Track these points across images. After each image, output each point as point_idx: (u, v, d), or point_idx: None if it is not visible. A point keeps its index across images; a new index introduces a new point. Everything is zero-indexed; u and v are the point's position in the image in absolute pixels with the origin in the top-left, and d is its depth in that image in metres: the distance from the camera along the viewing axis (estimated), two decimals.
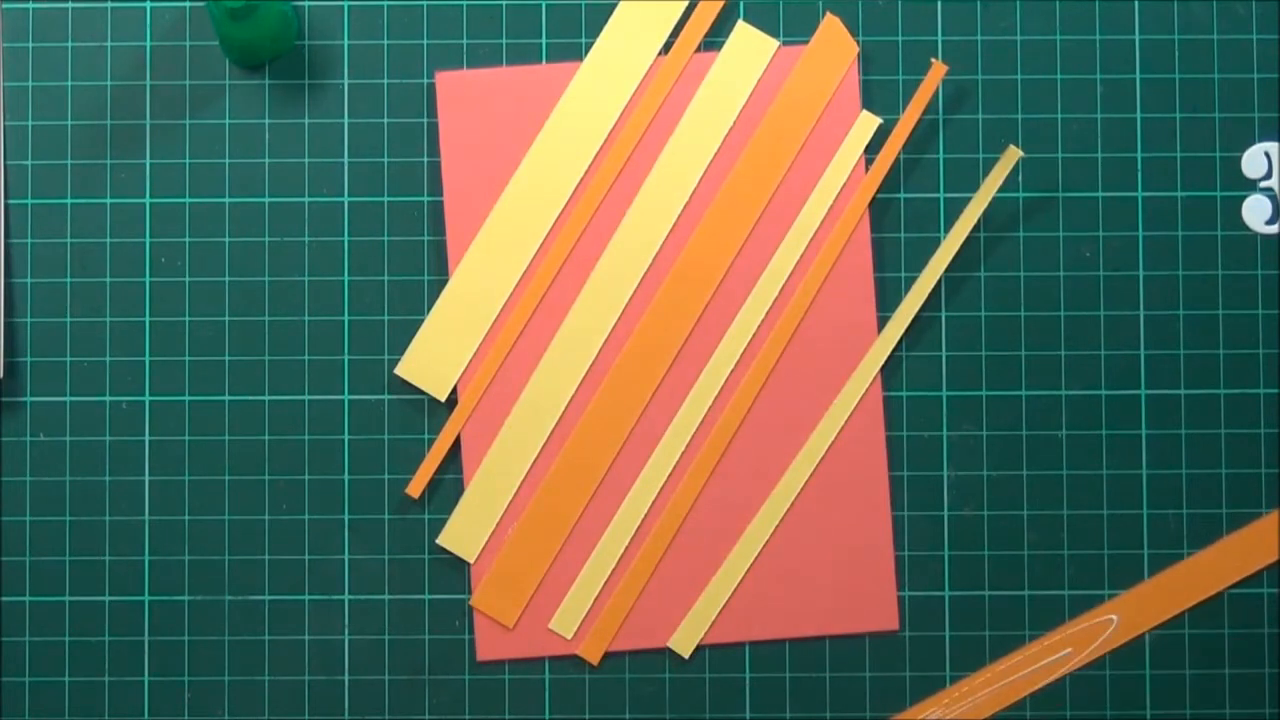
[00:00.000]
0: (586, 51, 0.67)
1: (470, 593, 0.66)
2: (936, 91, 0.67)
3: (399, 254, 0.66)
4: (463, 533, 0.66)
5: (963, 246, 0.66)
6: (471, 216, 0.66)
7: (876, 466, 0.66)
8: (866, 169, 0.66)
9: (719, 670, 0.66)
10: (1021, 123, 0.67)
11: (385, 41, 0.67)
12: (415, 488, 0.66)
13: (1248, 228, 0.67)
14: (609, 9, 0.67)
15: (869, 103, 0.67)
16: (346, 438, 0.66)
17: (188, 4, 0.67)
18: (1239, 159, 0.67)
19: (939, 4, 0.67)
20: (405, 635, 0.66)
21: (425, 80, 0.67)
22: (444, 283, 0.66)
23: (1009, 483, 0.66)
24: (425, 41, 0.67)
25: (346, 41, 0.67)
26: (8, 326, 0.66)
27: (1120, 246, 0.67)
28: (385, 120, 0.67)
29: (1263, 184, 0.67)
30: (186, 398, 0.66)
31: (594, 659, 0.65)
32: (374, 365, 0.66)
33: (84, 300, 0.66)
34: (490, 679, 0.66)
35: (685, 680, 0.66)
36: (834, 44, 0.67)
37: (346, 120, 0.67)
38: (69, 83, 0.67)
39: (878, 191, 0.66)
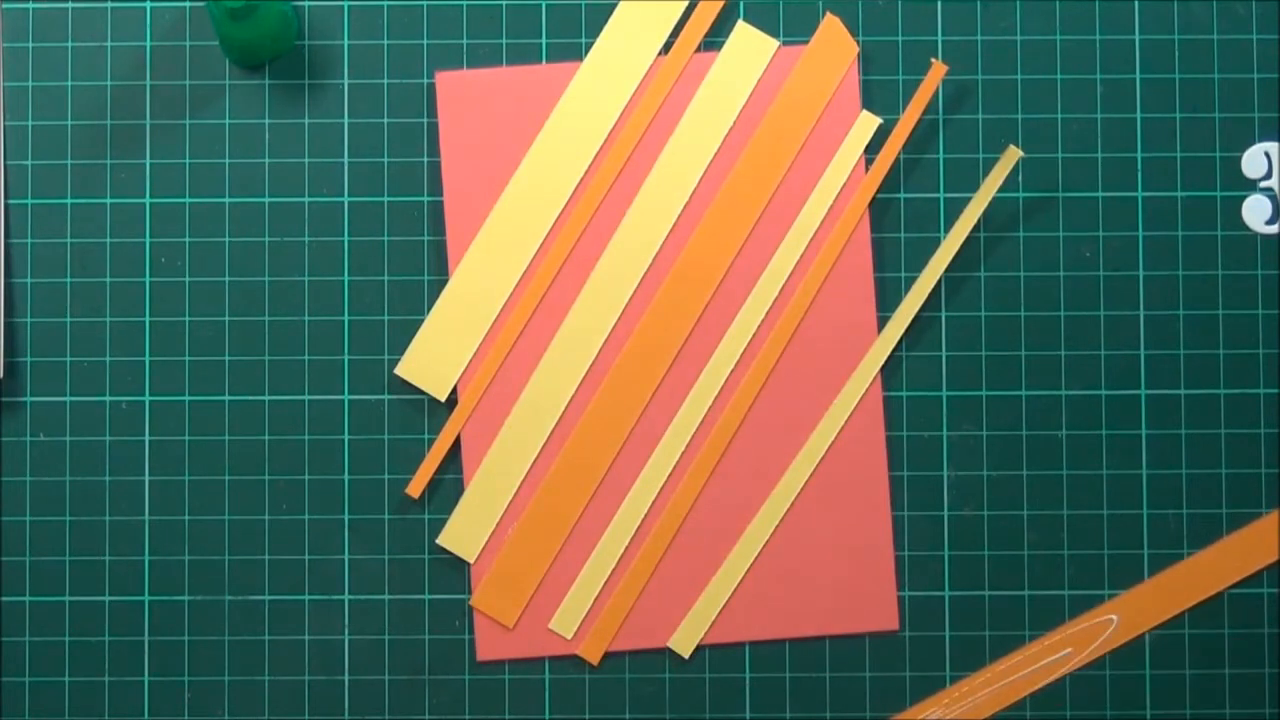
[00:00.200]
0: (586, 51, 0.67)
1: (470, 593, 0.66)
2: (936, 91, 0.67)
3: (399, 254, 0.66)
4: (463, 533, 0.66)
5: (963, 246, 0.66)
6: (471, 216, 0.66)
7: (876, 466, 0.66)
8: (866, 169, 0.66)
9: (719, 670, 0.66)
10: (1021, 123, 0.67)
11: (385, 41, 0.67)
12: (415, 488, 0.66)
13: (1248, 228, 0.67)
14: (609, 9, 0.67)
15: (869, 103, 0.67)
16: (346, 438, 0.66)
17: (188, 4, 0.67)
18: (1239, 159, 0.67)
19: (939, 4, 0.67)
20: (405, 635, 0.66)
21: (425, 80, 0.67)
22: (444, 283, 0.66)
23: (1009, 483, 0.66)
24: (425, 41, 0.67)
25: (346, 41, 0.67)
26: (8, 326, 0.66)
27: (1120, 246, 0.67)
28: (385, 120, 0.67)
29: (1263, 184, 0.67)
30: (186, 398, 0.66)
31: (594, 659, 0.65)
32: (374, 365, 0.66)
33: (84, 300, 0.66)
34: (490, 679, 0.66)
35: (685, 680, 0.66)
36: (834, 44, 0.67)
37: (346, 120, 0.67)
38: (69, 83, 0.67)
39: (878, 191, 0.66)
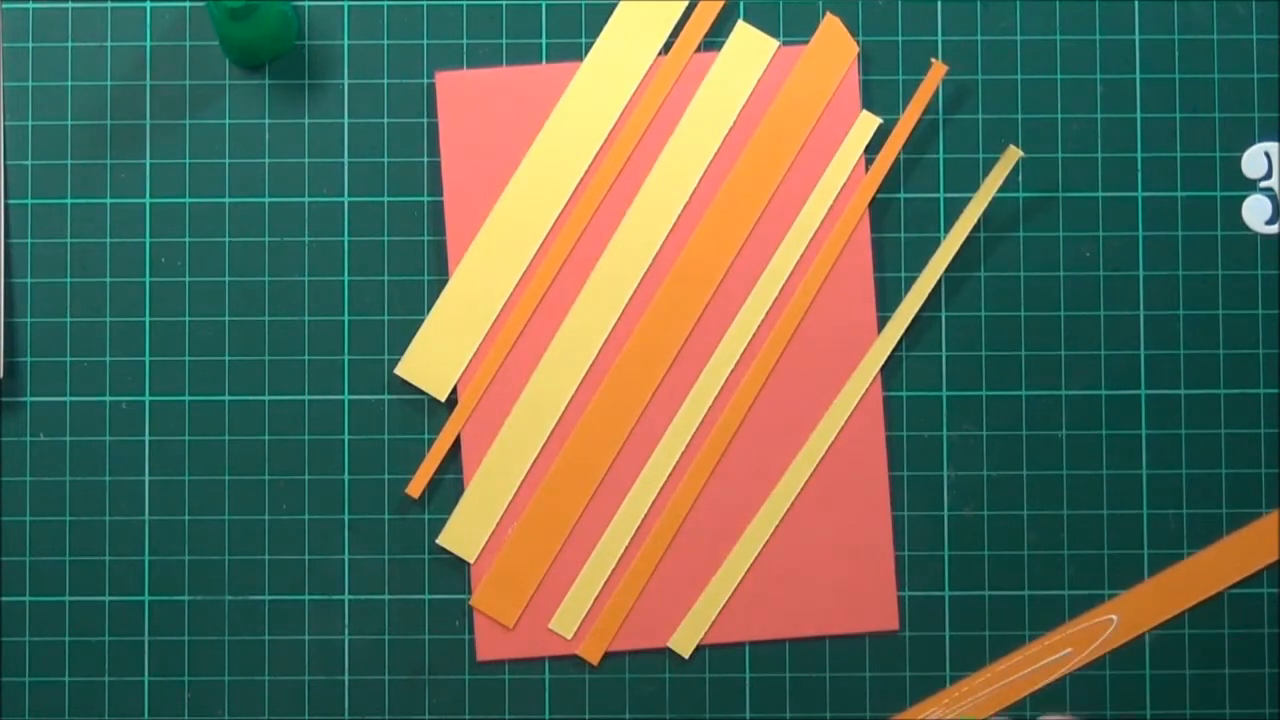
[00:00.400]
0: (586, 51, 0.67)
1: (470, 593, 0.66)
2: (936, 91, 0.67)
3: (399, 254, 0.66)
4: (463, 533, 0.66)
5: (963, 246, 0.66)
6: (471, 216, 0.66)
7: (876, 466, 0.66)
8: (866, 169, 0.66)
9: (719, 670, 0.66)
10: (1021, 123, 0.67)
11: (385, 41, 0.67)
12: (415, 488, 0.66)
13: (1248, 228, 0.67)
14: (609, 9, 0.67)
15: (869, 103, 0.67)
16: (346, 438, 0.66)
17: (188, 4, 0.67)
18: (1239, 159, 0.67)
19: (939, 4, 0.67)
20: (405, 635, 0.66)
21: (425, 80, 0.67)
22: (444, 283, 0.66)
23: (1009, 483, 0.66)
24: (425, 41, 0.67)
25: (346, 41, 0.67)
26: (8, 326, 0.66)
27: (1120, 246, 0.67)
28: (385, 120, 0.67)
29: (1263, 184, 0.67)
30: (186, 398, 0.66)
31: (594, 659, 0.65)
32: (374, 365, 0.66)
33: (84, 300, 0.66)
34: (490, 679, 0.66)
35: (685, 680, 0.66)
36: (834, 44, 0.67)
37: (346, 120, 0.67)
38: (69, 83, 0.67)
39: (878, 191, 0.66)
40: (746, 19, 0.67)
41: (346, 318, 0.66)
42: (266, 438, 0.66)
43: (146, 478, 0.66)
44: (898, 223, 0.67)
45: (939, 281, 0.66)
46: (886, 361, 0.66)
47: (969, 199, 0.66)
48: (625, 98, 0.67)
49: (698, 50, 0.67)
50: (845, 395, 0.66)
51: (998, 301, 0.66)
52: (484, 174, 0.66)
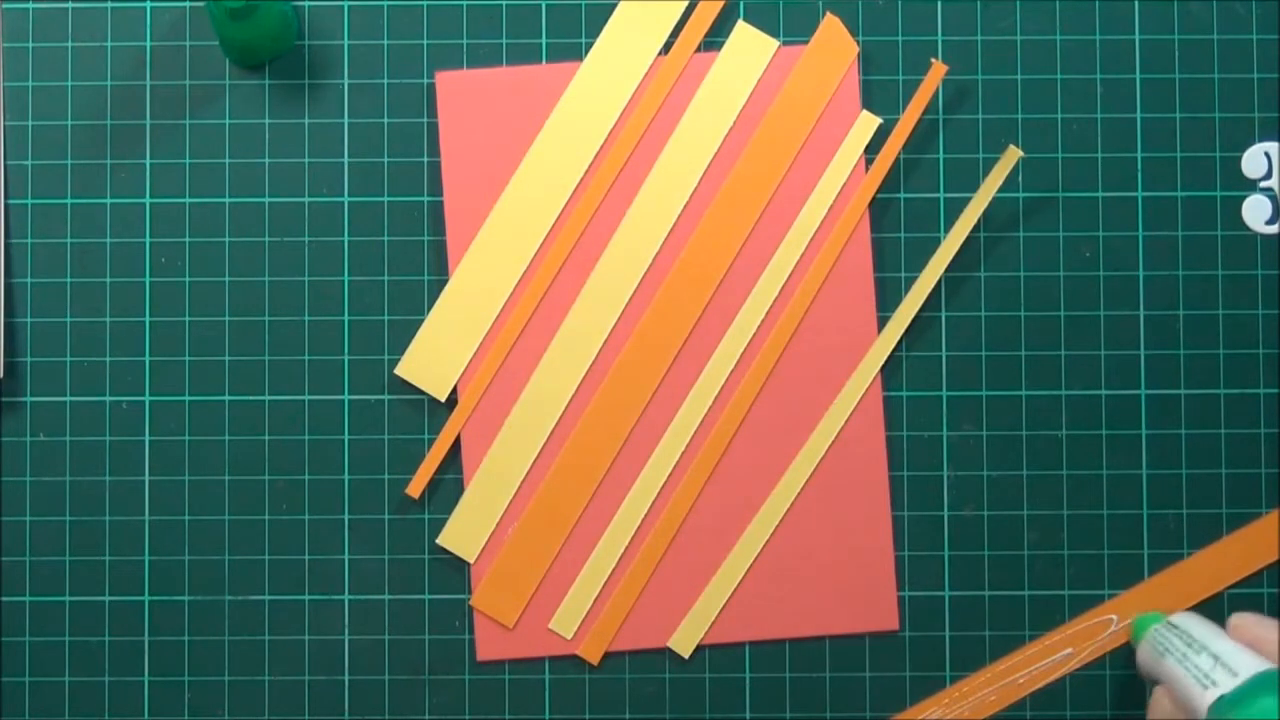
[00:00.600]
0: (586, 51, 0.67)
1: (470, 593, 0.66)
2: (936, 91, 0.67)
3: (399, 254, 0.66)
4: (463, 533, 0.66)
5: (963, 246, 0.66)
6: (471, 216, 0.66)
7: (876, 466, 0.66)
8: (866, 169, 0.66)
9: (719, 670, 0.66)
10: (1021, 123, 0.67)
11: (385, 41, 0.67)
12: (415, 488, 0.66)
13: (1248, 228, 0.67)
14: (609, 9, 0.67)
15: (869, 103, 0.67)
16: (346, 438, 0.66)
17: (188, 4, 0.67)
18: (1239, 159, 0.67)
19: (939, 4, 0.67)
20: (405, 635, 0.66)
21: (425, 80, 0.67)
22: (444, 283, 0.66)
23: (1009, 483, 0.66)
24: (425, 41, 0.67)
25: (346, 41, 0.67)
26: (8, 326, 0.66)
27: (1120, 246, 0.67)
28: (385, 120, 0.67)
29: (1263, 184, 0.67)
30: (186, 398, 0.66)
31: (594, 659, 0.65)
32: (374, 365, 0.66)
33: (84, 300, 0.66)
34: (490, 679, 0.66)
35: (685, 680, 0.66)
36: (834, 44, 0.67)
37: (346, 120, 0.67)
38: (69, 83, 0.67)
39: (878, 191, 0.66)
40: (746, 19, 0.67)
41: (346, 318, 0.66)
42: (266, 438, 0.66)
43: (146, 478, 0.66)
44: (898, 223, 0.67)
45: (939, 281, 0.66)
46: (886, 361, 0.66)
47: (969, 199, 0.66)
48: (625, 98, 0.67)
49: (698, 50, 0.67)
50: (845, 395, 0.66)
51: (998, 301, 0.66)
52: (484, 174, 0.66)
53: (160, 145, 0.67)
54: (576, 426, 0.66)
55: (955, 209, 0.67)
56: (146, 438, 0.66)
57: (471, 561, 0.66)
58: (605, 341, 0.66)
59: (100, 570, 0.66)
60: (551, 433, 0.66)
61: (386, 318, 0.66)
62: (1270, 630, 0.56)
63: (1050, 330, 0.66)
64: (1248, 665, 0.53)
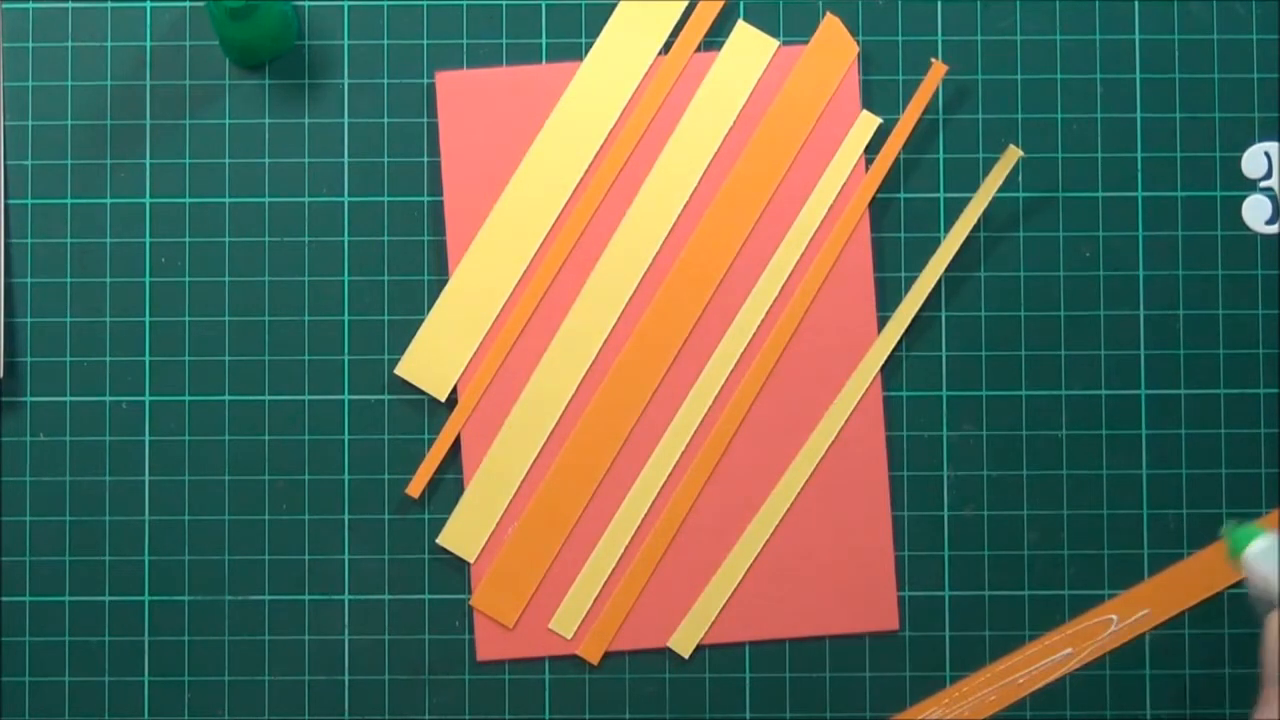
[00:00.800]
0: (586, 51, 0.67)
1: (470, 593, 0.66)
2: (936, 91, 0.67)
3: (399, 254, 0.66)
4: (463, 533, 0.65)
5: (963, 246, 0.66)
6: (471, 216, 0.66)
7: (876, 466, 0.66)
8: (866, 169, 0.66)
9: (719, 670, 0.66)
10: (1021, 123, 0.67)
11: (385, 41, 0.67)
12: (415, 488, 0.66)
13: (1248, 228, 0.67)
14: (609, 9, 0.67)
15: (869, 103, 0.67)
16: (346, 438, 0.66)
17: (188, 4, 0.67)
18: (1239, 159, 0.67)
19: (939, 4, 0.67)
20: (405, 635, 0.66)
21: (425, 80, 0.67)
22: (444, 283, 0.66)
23: (1009, 483, 0.66)
24: (425, 41, 0.67)
25: (346, 41, 0.67)
26: (8, 326, 0.66)
27: (1120, 246, 0.67)
28: (385, 120, 0.67)
29: (1263, 184, 0.67)
30: (186, 398, 0.66)
31: (594, 659, 0.65)
32: (374, 365, 0.66)
33: (84, 300, 0.66)
34: (490, 679, 0.66)
35: (685, 680, 0.66)
36: (834, 44, 0.67)
37: (346, 120, 0.67)
38: (69, 83, 0.67)
39: (878, 191, 0.66)
40: (746, 19, 0.67)
41: (346, 318, 0.66)
42: (266, 438, 0.66)
43: (146, 478, 0.66)
44: (898, 223, 0.67)
45: (939, 281, 0.66)
46: (886, 361, 0.66)
47: (969, 199, 0.66)
48: (625, 98, 0.67)
49: (698, 50, 0.67)
50: (845, 395, 0.66)
51: (998, 301, 0.66)
52: (484, 174, 0.66)
53: (160, 145, 0.67)
54: (576, 426, 0.66)
55: (955, 209, 0.67)
56: (146, 438, 0.66)
57: (471, 561, 0.66)
58: (605, 341, 0.66)
59: (100, 570, 0.66)
60: (551, 433, 0.66)
61: (386, 318, 0.66)
62: None
63: (1050, 330, 0.66)
64: None
